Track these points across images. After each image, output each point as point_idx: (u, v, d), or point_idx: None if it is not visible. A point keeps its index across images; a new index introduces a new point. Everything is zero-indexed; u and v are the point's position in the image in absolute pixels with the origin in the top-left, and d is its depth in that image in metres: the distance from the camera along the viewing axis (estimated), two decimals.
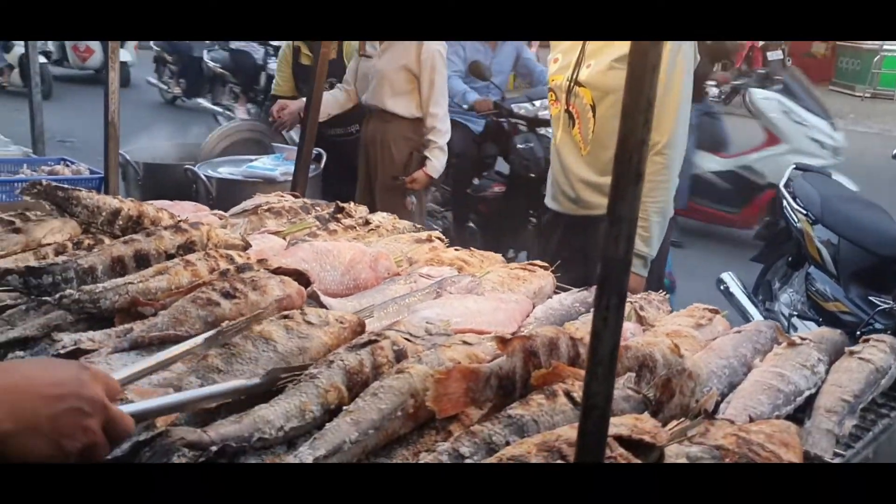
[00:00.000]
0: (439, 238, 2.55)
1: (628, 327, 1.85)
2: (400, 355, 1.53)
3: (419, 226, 2.74)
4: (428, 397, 1.34)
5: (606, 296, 0.99)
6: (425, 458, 1.28)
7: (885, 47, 16.72)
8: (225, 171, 4.02)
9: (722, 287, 4.60)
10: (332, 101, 4.47)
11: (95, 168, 3.47)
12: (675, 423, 1.42)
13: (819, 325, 3.88)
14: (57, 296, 1.73)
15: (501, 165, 6.22)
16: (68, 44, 14.36)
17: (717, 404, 1.61)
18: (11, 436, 0.92)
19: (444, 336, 1.66)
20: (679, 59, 2.62)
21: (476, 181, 6.14)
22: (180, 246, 2.02)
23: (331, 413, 1.38)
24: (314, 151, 3.63)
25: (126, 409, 1.10)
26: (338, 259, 2.10)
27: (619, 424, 1.25)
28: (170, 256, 1.99)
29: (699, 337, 1.87)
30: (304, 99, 4.23)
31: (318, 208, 2.74)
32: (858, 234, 4.02)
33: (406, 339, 1.59)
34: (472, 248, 2.48)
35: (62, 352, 1.57)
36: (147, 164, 4.30)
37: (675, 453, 1.31)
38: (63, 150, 7.69)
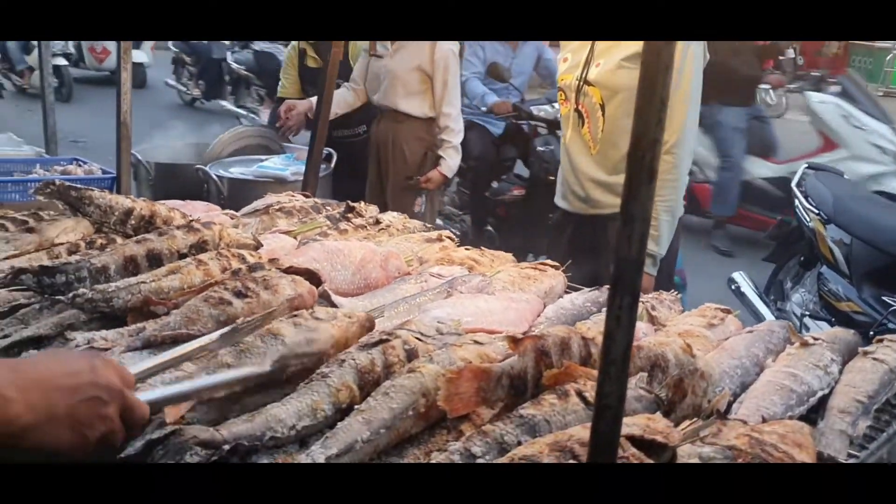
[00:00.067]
0: (450, 237, 2.55)
1: (640, 327, 1.84)
2: (411, 355, 1.53)
3: (430, 225, 2.74)
4: (439, 397, 1.34)
5: (619, 295, 0.99)
6: (437, 457, 1.28)
7: None
8: (236, 171, 4.03)
9: (733, 287, 4.58)
10: (341, 101, 4.47)
11: (108, 168, 3.49)
12: (687, 423, 1.42)
13: (832, 325, 3.86)
14: (70, 295, 1.74)
15: (521, 168, 6.14)
16: (85, 45, 14.29)
17: (730, 405, 1.60)
18: (33, 428, 0.94)
19: (455, 335, 1.66)
20: (688, 58, 2.62)
21: (495, 184, 6.05)
22: (192, 245, 2.02)
23: (342, 412, 1.39)
24: (324, 151, 3.63)
25: (141, 396, 1.10)
26: (348, 258, 2.10)
27: (632, 424, 1.24)
28: (182, 256, 1.99)
29: (711, 337, 1.86)
30: (312, 99, 4.27)
31: (328, 208, 2.74)
32: (871, 234, 4.00)
33: (417, 338, 1.59)
34: (482, 248, 2.48)
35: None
36: (159, 163, 4.31)
37: (688, 453, 1.30)
38: (75, 150, 7.73)
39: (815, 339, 1.84)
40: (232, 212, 2.61)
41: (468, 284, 2.04)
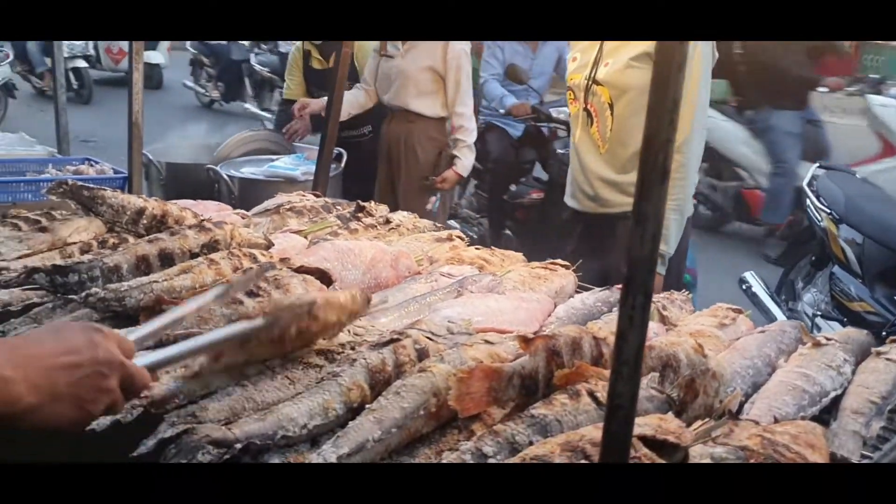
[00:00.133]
0: (459, 237, 2.56)
1: (651, 327, 1.84)
2: (422, 354, 1.54)
3: (440, 225, 2.74)
4: (450, 396, 1.34)
5: (632, 295, 0.99)
6: (448, 457, 1.28)
7: None
8: (247, 171, 4.05)
9: (744, 287, 4.55)
10: (354, 102, 4.49)
11: (119, 168, 3.50)
12: (699, 423, 1.41)
13: (843, 325, 3.83)
14: (83, 294, 1.75)
15: (540, 172, 6.06)
16: (101, 46, 14.23)
17: (741, 405, 1.59)
18: (36, 409, 0.94)
19: (465, 335, 1.66)
20: (696, 57, 2.62)
21: (513, 187, 5.94)
22: (204, 245, 2.03)
23: (353, 411, 1.39)
24: (334, 151, 3.64)
25: (139, 361, 1.10)
26: (359, 258, 2.11)
27: (644, 424, 1.24)
28: (194, 255, 2.00)
29: (723, 337, 1.85)
30: (326, 98, 4.27)
31: (339, 208, 2.75)
32: (884, 234, 3.97)
33: (428, 338, 1.59)
34: (492, 248, 2.49)
35: None
36: (170, 163, 4.33)
37: (700, 454, 1.30)
38: (86, 149, 7.77)
39: (828, 339, 1.83)
40: (243, 211, 2.62)
41: (478, 284, 2.04)
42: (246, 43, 13.12)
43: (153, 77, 14.31)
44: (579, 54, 2.95)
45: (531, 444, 1.27)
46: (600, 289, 2.15)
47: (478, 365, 1.40)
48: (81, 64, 13.05)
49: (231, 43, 12.90)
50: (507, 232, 5.93)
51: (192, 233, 2.05)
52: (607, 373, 1.35)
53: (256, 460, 1.32)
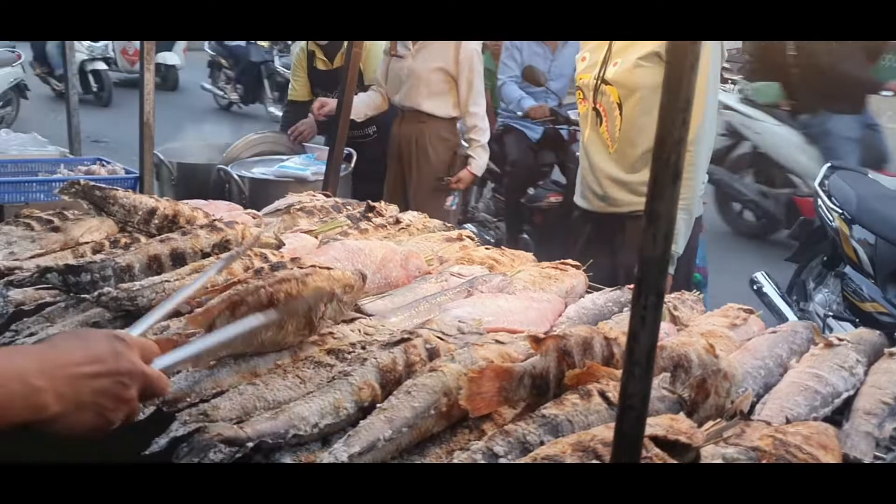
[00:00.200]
0: (469, 237, 2.56)
1: (663, 327, 1.83)
2: (432, 354, 1.54)
3: (449, 224, 2.75)
4: (461, 396, 1.34)
5: (644, 295, 0.99)
6: (459, 456, 1.28)
7: None
8: (258, 172, 4.06)
9: (755, 287, 4.53)
10: (371, 103, 4.51)
11: (131, 168, 3.52)
12: (710, 423, 1.41)
13: (855, 325, 3.81)
14: (95, 293, 1.76)
15: (558, 175, 5.97)
16: (116, 48, 14.06)
17: (753, 405, 1.59)
18: (60, 416, 0.97)
19: (476, 335, 1.66)
20: (705, 55, 2.62)
21: (531, 190, 5.82)
22: (216, 245, 2.04)
23: (364, 410, 1.40)
24: (344, 151, 3.64)
25: (158, 363, 1.12)
26: (369, 258, 2.11)
27: (655, 425, 1.24)
28: (205, 255, 2.01)
29: (734, 337, 1.85)
30: None
31: (349, 207, 2.75)
32: None
33: (439, 337, 1.60)
34: (502, 247, 2.49)
35: None
36: (181, 163, 4.35)
37: (711, 454, 1.30)
38: (98, 149, 7.81)
39: (840, 339, 1.82)
40: (254, 211, 2.62)
41: (489, 284, 2.04)
42: (265, 44, 12.95)
43: (169, 78, 14.23)
44: (588, 54, 2.96)
45: (542, 443, 1.27)
46: (611, 289, 2.15)
47: (488, 365, 1.40)
48: (101, 66, 12.92)
49: (250, 44, 12.73)
50: (525, 236, 5.82)
51: (203, 232, 2.06)
52: (618, 373, 1.35)
53: (268, 459, 1.33)
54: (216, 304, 1.55)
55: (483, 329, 1.72)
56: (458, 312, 1.81)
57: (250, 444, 1.30)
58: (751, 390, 1.62)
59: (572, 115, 5.45)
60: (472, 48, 4.27)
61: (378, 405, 1.38)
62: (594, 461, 1.16)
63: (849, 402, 1.64)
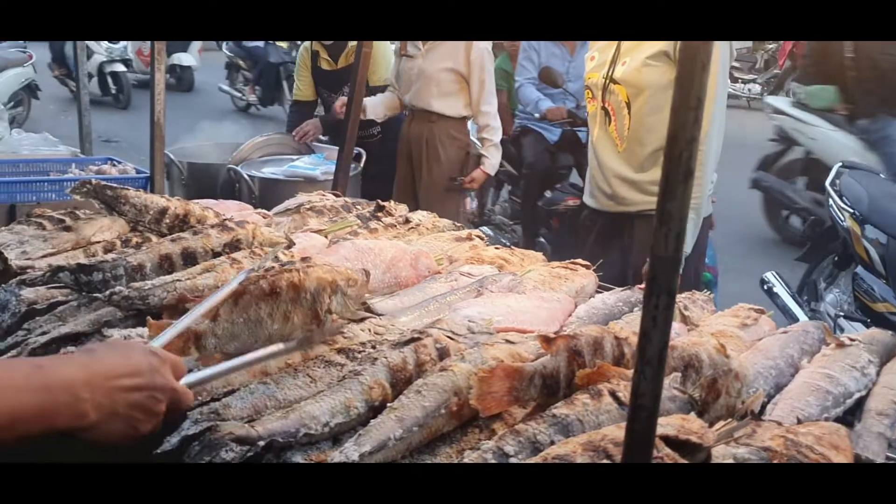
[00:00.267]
0: (479, 237, 2.56)
1: (673, 327, 1.82)
2: (443, 353, 1.54)
3: (459, 224, 2.75)
4: (472, 395, 1.34)
5: (655, 295, 0.98)
6: (470, 456, 1.28)
7: None
8: (267, 171, 4.07)
9: (765, 287, 4.51)
10: (389, 104, 4.55)
11: (141, 167, 3.53)
12: (721, 423, 1.40)
13: (867, 326, 3.79)
14: (107, 292, 1.77)
15: (577, 178, 5.84)
16: (131, 49, 14.03)
17: (764, 406, 1.58)
18: (96, 426, 1.01)
19: (486, 334, 1.66)
20: (714, 53, 2.62)
21: (548, 193, 5.68)
22: (226, 244, 2.05)
23: (375, 410, 1.40)
24: (353, 151, 3.65)
25: (185, 381, 1.17)
26: (379, 257, 2.11)
27: (666, 425, 1.23)
28: (216, 254, 2.02)
29: (745, 337, 1.84)
30: (367, 99, 4.33)
31: (358, 207, 2.76)
32: None
33: (449, 337, 1.60)
34: (512, 247, 2.49)
35: None
36: (191, 163, 4.37)
37: (722, 454, 1.29)
38: (109, 149, 7.85)
39: (852, 340, 1.81)
40: (264, 211, 2.63)
41: (498, 283, 2.04)
42: (284, 45, 12.78)
43: (185, 79, 14.15)
44: (597, 53, 2.98)
45: (553, 443, 1.27)
46: (621, 289, 2.15)
47: (499, 364, 1.40)
48: (120, 68, 12.76)
49: (268, 45, 12.57)
50: (541, 240, 5.70)
51: (214, 232, 2.07)
52: (629, 373, 1.35)
53: (279, 458, 1.33)
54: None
55: (493, 329, 1.72)
56: (468, 312, 1.81)
57: (261, 443, 1.30)
58: (762, 390, 1.61)
59: None
60: (483, 48, 4.27)
61: (388, 404, 1.38)
62: (605, 461, 1.16)
63: (861, 403, 1.63)
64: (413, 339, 1.56)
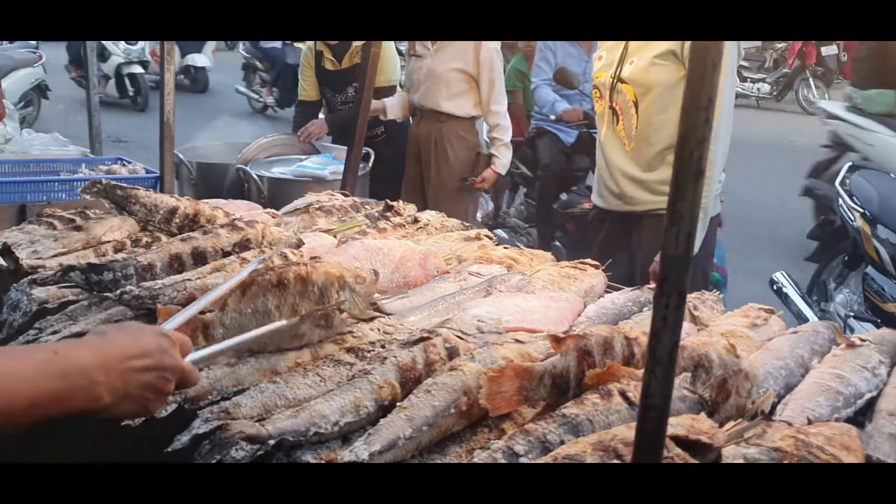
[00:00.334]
0: (488, 236, 2.56)
1: (683, 327, 1.83)
2: (452, 353, 1.54)
3: (468, 224, 2.75)
4: (481, 395, 1.34)
5: (666, 294, 0.98)
6: (479, 455, 1.28)
7: None
8: (276, 171, 4.08)
9: (775, 287, 4.50)
10: (403, 103, 4.58)
11: (151, 167, 3.55)
12: (731, 423, 1.40)
13: (877, 326, 3.77)
14: (118, 292, 1.78)
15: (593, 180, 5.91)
16: (147, 50, 13.97)
17: (774, 406, 1.58)
18: (109, 406, 1.04)
19: (495, 334, 1.66)
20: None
21: (564, 196, 5.59)
22: (236, 244, 2.05)
23: (384, 409, 1.40)
24: (362, 150, 3.65)
25: (190, 359, 1.18)
26: (388, 257, 2.12)
27: (676, 425, 1.23)
28: (226, 254, 2.02)
29: (755, 337, 1.84)
30: (386, 100, 4.45)
31: (367, 207, 2.76)
32: None
33: (458, 336, 1.60)
34: (521, 247, 2.49)
35: None
36: (200, 163, 4.38)
37: (732, 454, 1.29)
38: (118, 149, 7.88)
39: (863, 340, 1.80)
40: (273, 211, 2.64)
41: (508, 283, 2.04)
42: (302, 46, 12.79)
43: (199, 80, 14.06)
44: (605, 53, 2.99)
45: (562, 443, 1.27)
46: (630, 289, 2.14)
47: (509, 364, 1.40)
48: (137, 70, 12.63)
49: (286, 46, 12.43)
50: (557, 243, 5.59)
51: (224, 232, 2.07)
52: (639, 373, 1.35)
53: (289, 456, 1.33)
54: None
55: (502, 328, 1.72)
56: (477, 311, 1.82)
57: (272, 442, 1.31)
58: (772, 391, 1.61)
59: None
60: (492, 47, 4.27)
61: (398, 404, 1.38)
62: (615, 461, 1.16)
63: (871, 404, 1.62)
64: (422, 339, 1.56)
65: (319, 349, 1.63)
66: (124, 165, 3.64)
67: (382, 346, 1.61)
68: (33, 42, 10.83)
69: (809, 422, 1.49)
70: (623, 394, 1.35)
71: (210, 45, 14.32)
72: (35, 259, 2.07)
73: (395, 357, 1.50)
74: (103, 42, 12.33)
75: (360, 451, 1.27)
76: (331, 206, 2.65)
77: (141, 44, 12.56)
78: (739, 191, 7.31)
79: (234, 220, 2.16)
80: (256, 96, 13.02)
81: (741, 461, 1.28)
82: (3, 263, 2.00)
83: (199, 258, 1.99)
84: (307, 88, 5.01)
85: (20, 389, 0.96)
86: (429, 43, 4.34)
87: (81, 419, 1.05)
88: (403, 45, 4.80)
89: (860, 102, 6.54)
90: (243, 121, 6.35)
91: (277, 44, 12.38)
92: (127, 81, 12.66)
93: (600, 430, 1.28)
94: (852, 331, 3.92)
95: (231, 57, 14.29)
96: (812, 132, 6.92)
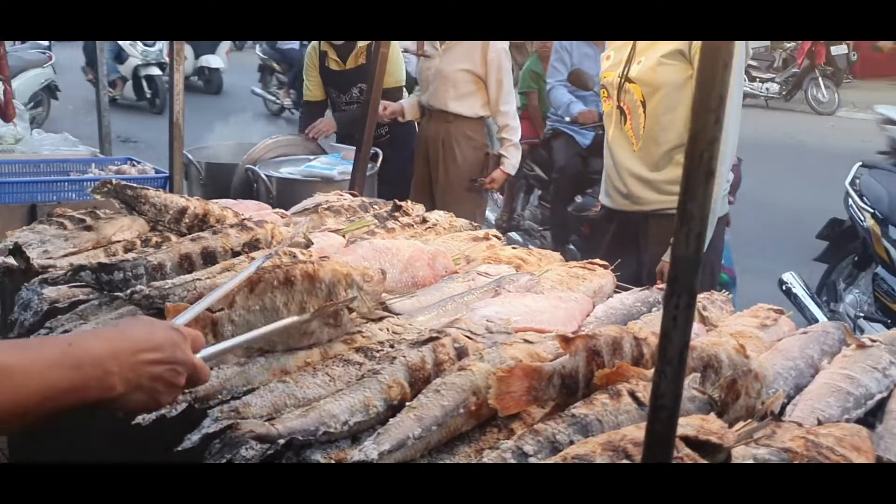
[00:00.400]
0: (496, 236, 2.56)
1: (692, 327, 1.82)
2: (461, 353, 1.54)
3: (476, 224, 2.75)
4: (490, 395, 1.34)
5: (676, 295, 0.98)
6: (489, 455, 1.28)
7: None
8: (285, 171, 4.09)
9: (784, 288, 4.48)
10: (417, 104, 4.58)
11: (160, 168, 3.56)
12: (741, 424, 1.40)
13: (888, 326, 3.76)
14: (128, 291, 1.79)
15: None
16: (165, 52, 13.83)
17: (783, 406, 1.57)
18: (122, 397, 1.06)
19: (504, 334, 1.66)
20: None
21: (579, 198, 5.49)
22: (245, 243, 2.06)
23: (394, 409, 1.40)
24: (370, 151, 3.66)
25: (201, 354, 1.20)
26: (396, 257, 2.12)
27: (686, 425, 1.23)
28: (236, 254, 2.03)
29: (764, 338, 1.83)
30: (403, 101, 4.49)
31: (375, 207, 2.77)
32: None
33: (467, 336, 1.60)
34: (529, 247, 2.49)
35: None
36: (209, 163, 4.39)
37: (742, 455, 1.29)
38: (127, 149, 7.91)
39: (873, 340, 1.79)
40: (282, 211, 2.65)
41: (516, 283, 2.04)
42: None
43: (213, 81, 13.94)
44: (613, 52, 2.99)
45: (572, 443, 1.27)
46: (639, 289, 2.14)
47: (518, 364, 1.40)
48: (155, 72, 12.51)
49: (303, 47, 12.39)
50: (571, 247, 5.45)
51: (233, 231, 2.08)
52: (648, 373, 1.35)
53: (299, 456, 1.34)
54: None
55: (511, 328, 1.72)
56: (485, 312, 1.82)
57: (281, 441, 1.31)
58: (781, 391, 1.60)
59: None
60: (500, 48, 4.27)
61: (407, 404, 1.39)
62: (625, 461, 1.16)
63: (882, 404, 1.61)
64: (431, 339, 1.56)
65: (329, 349, 1.64)
66: (134, 165, 3.66)
67: (391, 346, 1.62)
68: (44, 42, 10.87)
69: (819, 422, 1.49)
70: (632, 394, 1.35)
71: (224, 46, 14.19)
72: (46, 259, 2.08)
73: (404, 357, 1.50)
74: (121, 44, 12.30)
75: (369, 450, 1.28)
76: (339, 206, 2.65)
77: (158, 45, 12.40)
78: (748, 191, 7.29)
79: (244, 220, 2.17)
80: (273, 98, 12.80)
81: (751, 461, 1.27)
82: (15, 263, 2.01)
83: (209, 258, 2.00)
84: (312, 89, 5.01)
85: (35, 382, 0.97)
86: (437, 43, 4.34)
87: (92, 417, 1.06)
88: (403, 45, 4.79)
89: None
90: (260, 122, 6.34)
91: (295, 45, 12.11)
92: (144, 83, 12.60)
93: (610, 431, 1.28)
94: (862, 331, 3.90)
95: (245, 58, 14.16)
96: (821, 132, 6.85)
